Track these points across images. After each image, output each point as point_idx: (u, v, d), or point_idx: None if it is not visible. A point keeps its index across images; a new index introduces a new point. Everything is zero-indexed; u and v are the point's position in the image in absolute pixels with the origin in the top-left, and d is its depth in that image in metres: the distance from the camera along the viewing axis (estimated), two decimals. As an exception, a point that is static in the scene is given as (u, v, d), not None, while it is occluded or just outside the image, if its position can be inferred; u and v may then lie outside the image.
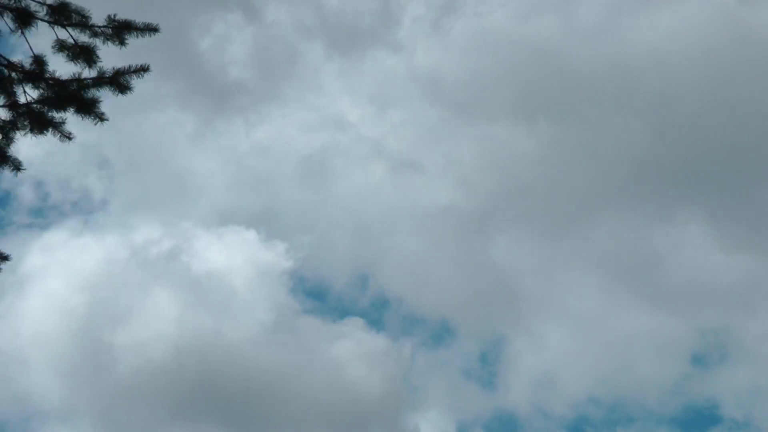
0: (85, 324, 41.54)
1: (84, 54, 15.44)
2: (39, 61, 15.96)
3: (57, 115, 16.42)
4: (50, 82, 15.67)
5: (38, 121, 16.47)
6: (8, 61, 16.25)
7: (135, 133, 49.20)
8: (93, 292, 42.63)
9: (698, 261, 45.70)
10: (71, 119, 16.73)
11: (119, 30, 15.38)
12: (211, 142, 50.86)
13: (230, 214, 48.97)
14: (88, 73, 15.90)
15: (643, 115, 47.35)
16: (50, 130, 16.40)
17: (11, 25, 15.61)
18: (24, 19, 15.32)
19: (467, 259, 47.00)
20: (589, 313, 45.71)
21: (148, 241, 44.94)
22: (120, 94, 16.17)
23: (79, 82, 15.53)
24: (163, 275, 43.56)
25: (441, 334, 45.15)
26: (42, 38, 16.78)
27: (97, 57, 15.52)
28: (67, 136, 16.33)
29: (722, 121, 47.11)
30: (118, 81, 15.85)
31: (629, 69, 47.51)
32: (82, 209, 48.01)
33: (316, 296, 46.36)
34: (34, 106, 16.41)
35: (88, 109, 15.87)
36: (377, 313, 45.36)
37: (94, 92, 16.07)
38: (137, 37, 15.56)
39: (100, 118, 16.08)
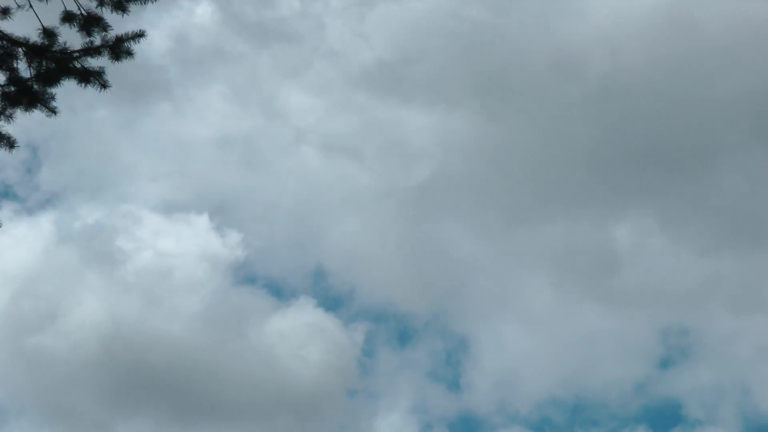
0: (18, 317, 41.79)
1: (95, 23, 16.43)
2: (49, 33, 16.32)
3: (48, 91, 17.37)
4: (58, 53, 16.62)
5: (31, 98, 17.40)
6: (10, 37, 17.09)
7: (62, 121, 49.04)
8: (24, 285, 42.76)
9: (656, 259, 45.87)
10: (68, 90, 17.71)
11: (126, -2, 16.43)
12: (139, 129, 51.16)
13: (167, 202, 49.31)
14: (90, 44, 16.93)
15: (591, 105, 48.44)
16: (39, 106, 17.33)
17: (19, 0, 16.56)
18: (39, -9, 16.20)
19: (418, 251, 47.71)
20: (548, 312, 45.56)
21: (82, 230, 45.27)
22: (117, 61, 17.20)
23: (88, 51, 16.51)
24: (98, 262, 44.00)
25: (396, 330, 45.51)
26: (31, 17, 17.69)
27: (108, 24, 16.73)
28: (53, 111, 17.28)
29: (671, 111, 47.37)
30: (120, 47, 16.92)
31: (574, 56, 48.75)
32: (9, 199, 48.16)
33: (261, 282, 47.25)
34: (33, 82, 17.30)
35: (93, 77, 16.87)
36: (327, 302, 46.36)
37: (95, 61, 17.10)
38: (141, 4, 16.68)
39: (104, 85, 17.08)
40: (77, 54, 17.01)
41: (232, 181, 49.53)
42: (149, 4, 16.56)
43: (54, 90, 17.35)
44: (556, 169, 48.26)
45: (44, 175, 48.80)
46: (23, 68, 17.17)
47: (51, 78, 17.14)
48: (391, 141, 49.22)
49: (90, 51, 16.51)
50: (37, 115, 17.62)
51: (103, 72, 16.97)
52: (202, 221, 47.00)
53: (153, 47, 47.04)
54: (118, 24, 17.00)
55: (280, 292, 46.15)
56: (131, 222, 45.95)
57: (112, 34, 16.85)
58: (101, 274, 43.46)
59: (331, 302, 45.87)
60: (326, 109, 49.97)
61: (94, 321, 41.07)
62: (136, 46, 17.24)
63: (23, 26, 16.92)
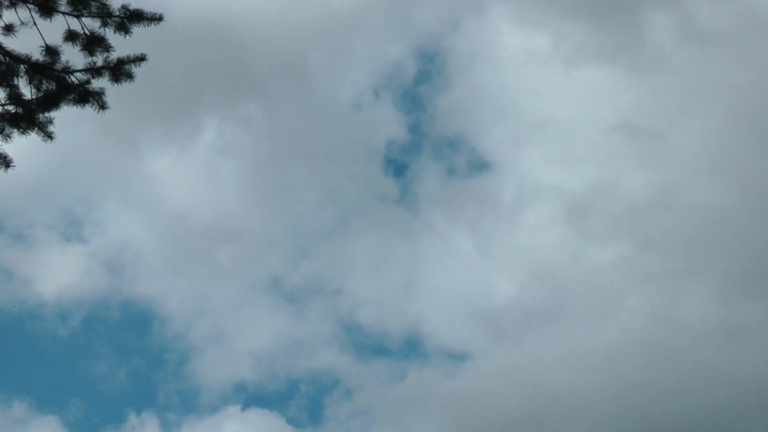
0: None
1: (97, 43, 16.38)
2: (52, 51, 16.23)
3: (44, 115, 17.25)
4: (60, 72, 16.54)
5: (29, 121, 17.29)
6: (12, 54, 16.99)
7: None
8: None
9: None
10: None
11: (130, 19, 16.46)
12: None
13: None
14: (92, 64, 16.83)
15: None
16: (36, 129, 17.17)
17: (23, 17, 16.47)
18: (45, 9, 16.24)
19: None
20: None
21: None
22: (117, 83, 17.08)
23: (89, 71, 16.41)
24: None
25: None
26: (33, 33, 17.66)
27: (110, 45, 16.18)
28: (50, 136, 16.87)
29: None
30: (121, 70, 16.84)
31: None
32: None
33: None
34: (33, 104, 17.16)
35: (92, 97, 16.76)
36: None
37: (95, 82, 17.01)
38: (145, 26, 16.62)
39: (102, 106, 16.95)
40: (79, 74, 16.96)
41: None
42: (152, 26, 16.54)
43: (53, 114, 17.20)
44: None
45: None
46: (23, 85, 17.11)
47: (51, 101, 17.02)
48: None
49: (91, 71, 16.44)
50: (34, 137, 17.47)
51: (103, 93, 16.87)
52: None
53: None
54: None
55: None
56: None
57: (113, 56, 16.77)
58: None
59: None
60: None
61: None
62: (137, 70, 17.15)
63: (26, 44, 16.93)
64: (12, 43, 16.71)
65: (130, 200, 51.36)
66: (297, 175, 52.56)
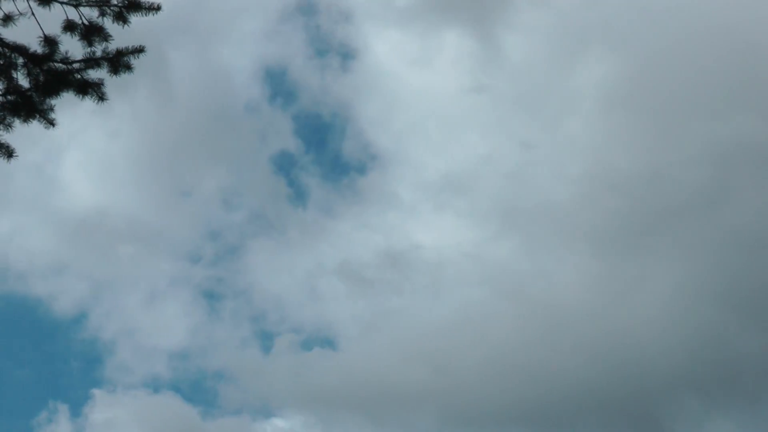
0: None
1: (95, 33, 16.28)
2: (50, 41, 16.03)
3: (46, 102, 17.09)
4: (57, 62, 16.41)
5: (29, 108, 17.14)
6: (9, 45, 16.85)
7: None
8: None
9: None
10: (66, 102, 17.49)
11: (128, 8, 16.37)
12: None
13: None
14: (91, 54, 16.69)
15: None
16: (37, 117, 17.03)
17: (21, 8, 16.36)
18: (44, -1, 16.06)
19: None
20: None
21: None
22: (116, 75, 16.93)
23: (88, 62, 16.31)
24: None
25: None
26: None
27: (109, 35, 16.07)
28: (51, 123, 16.69)
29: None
30: (120, 61, 16.72)
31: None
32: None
33: None
34: (32, 92, 17.01)
35: (92, 89, 16.63)
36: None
37: (94, 72, 16.86)
38: (143, 15, 16.52)
39: (101, 98, 16.81)
40: (78, 65, 16.80)
41: None
42: (151, 15, 16.41)
43: (53, 101, 17.05)
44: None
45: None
46: (22, 77, 16.95)
47: (50, 89, 16.88)
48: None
49: (90, 62, 16.29)
50: (36, 125, 17.34)
51: (102, 84, 16.71)
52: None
53: None
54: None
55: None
56: None
57: (112, 46, 16.61)
58: None
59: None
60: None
61: None
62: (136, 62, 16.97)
63: (24, 35, 16.80)
64: (10, 34, 16.60)
65: (27, 201, 52.25)
66: (191, 175, 54.91)
